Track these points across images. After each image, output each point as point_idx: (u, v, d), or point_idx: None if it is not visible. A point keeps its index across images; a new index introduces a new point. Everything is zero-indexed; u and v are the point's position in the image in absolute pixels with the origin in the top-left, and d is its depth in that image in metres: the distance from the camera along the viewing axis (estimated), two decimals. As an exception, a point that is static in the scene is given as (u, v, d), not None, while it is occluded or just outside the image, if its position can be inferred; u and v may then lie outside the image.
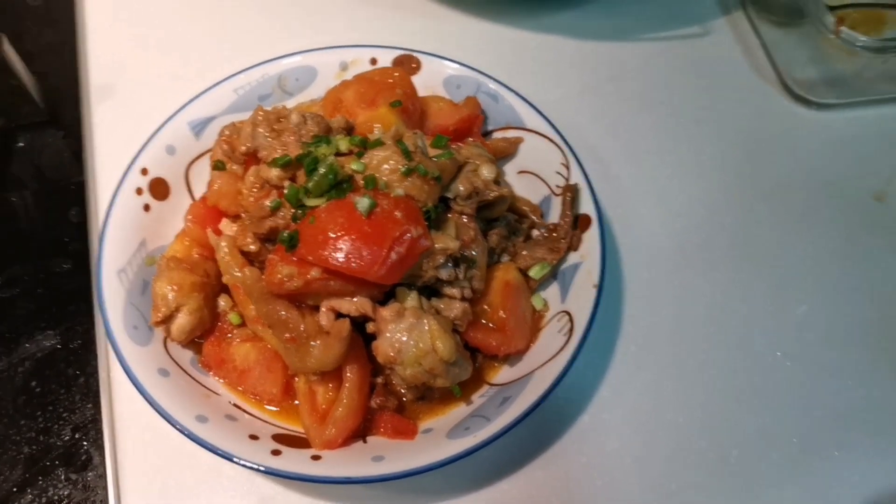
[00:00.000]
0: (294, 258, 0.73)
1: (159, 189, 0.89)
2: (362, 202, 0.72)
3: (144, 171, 0.88)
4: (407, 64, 0.99)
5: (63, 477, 0.79)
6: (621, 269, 0.96)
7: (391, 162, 0.76)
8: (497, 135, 0.97)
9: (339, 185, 0.76)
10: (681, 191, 1.04)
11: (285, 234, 0.73)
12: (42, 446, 0.81)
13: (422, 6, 1.22)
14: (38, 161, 1.04)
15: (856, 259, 0.98)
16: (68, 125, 1.07)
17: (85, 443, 0.81)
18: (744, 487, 0.81)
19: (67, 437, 0.82)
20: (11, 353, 0.87)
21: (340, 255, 0.70)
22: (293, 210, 0.76)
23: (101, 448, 0.81)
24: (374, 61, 0.99)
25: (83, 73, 1.12)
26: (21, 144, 1.05)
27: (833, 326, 0.93)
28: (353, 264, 0.70)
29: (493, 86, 0.97)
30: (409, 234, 0.72)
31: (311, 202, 0.75)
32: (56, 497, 0.78)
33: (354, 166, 0.77)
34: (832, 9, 1.04)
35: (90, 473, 0.80)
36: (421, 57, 0.99)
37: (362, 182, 0.76)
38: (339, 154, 0.80)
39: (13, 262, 0.94)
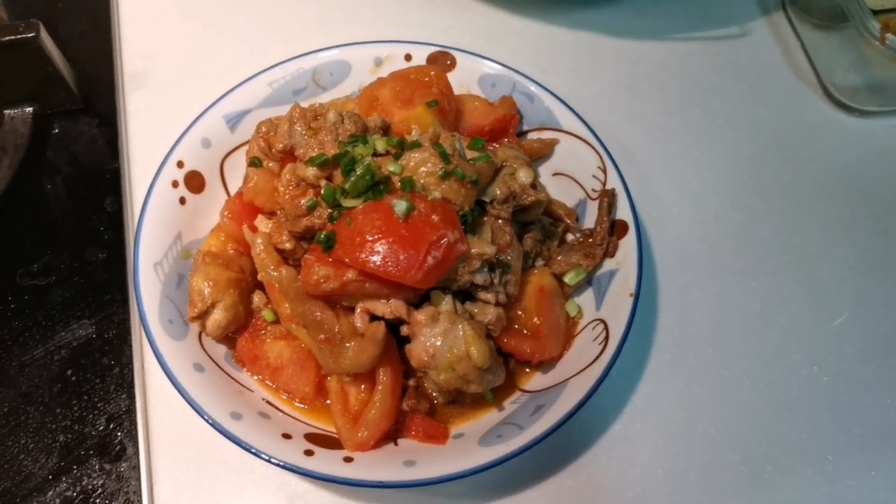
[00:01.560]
0: (330, 259, 0.72)
1: (195, 182, 0.90)
2: (400, 205, 0.71)
3: (180, 164, 0.89)
4: (442, 61, 0.98)
5: (97, 467, 0.80)
6: (656, 273, 0.95)
7: (429, 164, 0.76)
8: (532, 135, 0.97)
9: (376, 187, 0.75)
10: (717, 195, 1.03)
11: (322, 236, 0.73)
12: (77, 435, 0.82)
13: (456, 1, 1.20)
14: (74, 148, 1.05)
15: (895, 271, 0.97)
16: (103, 113, 1.08)
17: (119, 433, 0.82)
18: None
19: (102, 427, 0.83)
20: (48, 341, 0.88)
21: (377, 259, 0.70)
22: (329, 210, 0.76)
23: (134, 439, 0.81)
24: (408, 57, 0.98)
25: (118, 60, 1.12)
26: (56, 131, 1.06)
27: (871, 340, 0.91)
28: (390, 268, 0.70)
29: (529, 85, 0.95)
30: (445, 239, 0.71)
31: (347, 203, 0.75)
32: (90, 486, 0.79)
33: (392, 168, 0.76)
34: (876, 13, 1.02)
35: (124, 464, 0.80)
36: (456, 54, 0.98)
37: (399, 184, 0.76)
38: (375, 154, 0.79)
39: (49, 251, 0.95)
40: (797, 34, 1.19)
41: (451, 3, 1.20)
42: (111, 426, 0.83)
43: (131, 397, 0.84)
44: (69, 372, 0.86)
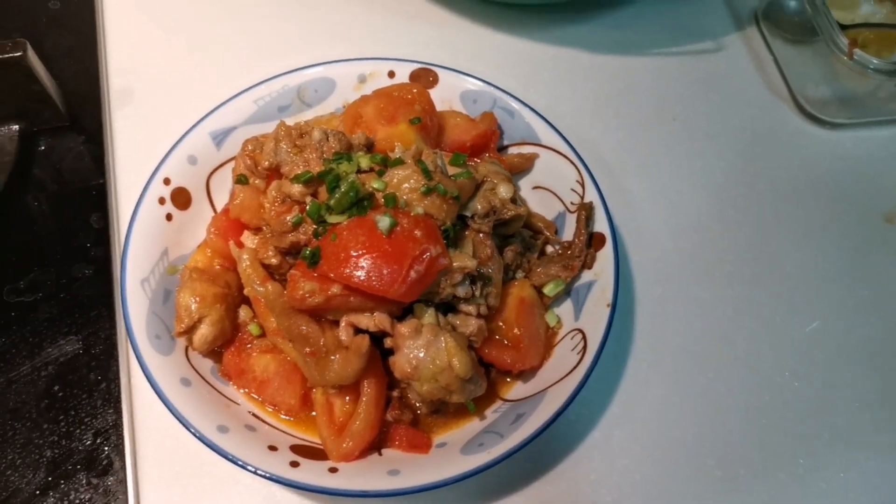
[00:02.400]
0: (315, 274, 0.74)
1: (181, 199, 0.91)
2: (383, 221, 0.73)
3: (167, 181, 0.90)
4: (424, 77, 1.00)
5: (84, 481, 0.81)
6: (633, 283, 0.97)
7: (411, 181, 0.78)
8: (513, 150, 0.99)
9: (360, 203, 0.77)
10: (692, 206, 1.05)
11: (308, 252, 0.74)
12: (64, 450, 0.83)
13: (437, 16, 1.23)
14: (60, 165, 1.06)
15: (865, 279, 1.00)
16: (89, 130, 1.09)
17: (106, 448, 0.83)
18: (750, 507, 0.83)
19: (89, 442, 0.84)
20: (35, 357, 0.89)
21: (361, 273, 0.72)
22: (314, 226, 0.78)
23: (121, 454, 0.82)
24: (391, 74, 1.00)
25: (103, 77, 1.13)
26: (42, 148, 1.07)
27: (842, 346, 0.94)
28: (374, 282, 0.71)
29: (509, 101, 0.98)
30: (428, 254, 0.73)
31: (332, 219, 0.77)
32: (77, 501, 0.80)
33: (375, 185, 0.78)
34: (844, 28, 1.05)
35: (111, 478, 0.81)
36: (438, 71, 1.00)
37: (382, 200, 0.77)
38: (359, 171, 0.81)
39: (35, 267, 0.96)
40: (770, 48, 1.23)
41: (433, 20, 1.22)
42: (98, 441, 0.84)
43: (118, 412, 0.85)
44: (56, 387, 0.87)
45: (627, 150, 1.10)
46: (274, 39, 1.18)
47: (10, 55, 0.95)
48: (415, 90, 0.93)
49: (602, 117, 1.13)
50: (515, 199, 0.86)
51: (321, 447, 0.78)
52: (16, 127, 1.04)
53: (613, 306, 0.82)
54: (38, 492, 0.81)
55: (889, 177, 1.09)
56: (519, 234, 0.90)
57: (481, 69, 1.03)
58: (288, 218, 0.79)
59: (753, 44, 1.24)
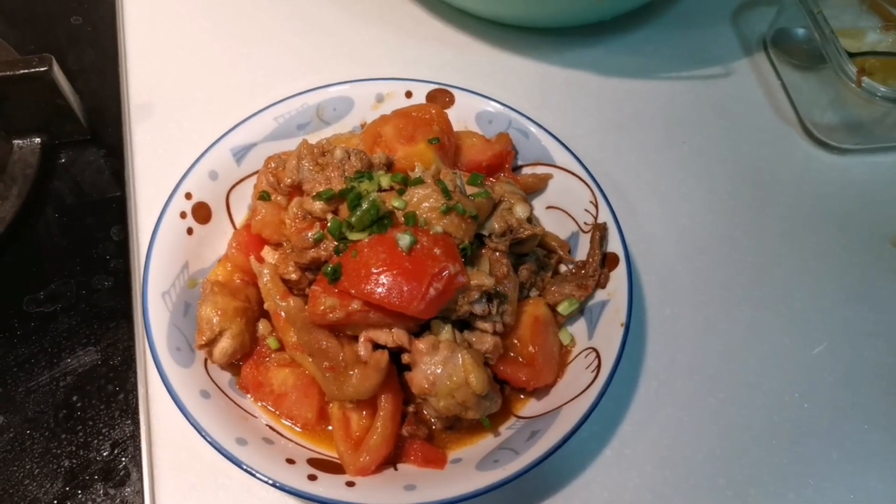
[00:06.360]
0: (336, 290, 0.76)
1: (202, 213, 0.92)
2: (404, 239, 0.75)
3: (188, 196, 0.91)
4: (441, 98, 1.02)
5: (102, 492, 0.82)
6: (645, 304, 0.98)
7: (431, 200, 0.79)
8: (527, 170, 1.01)
9: (381, 221, 0.79)
10: (702, 229, 1.07)
11: (329, 268, 0.76)
12: (82, 461, 0.84)
13: (452, 39, 1.25)
14: (81, 178, 1.08)
15: (871, 302, 1.01)
16: (109, 144, 1.10)
17: (123, 459, 0.84)
18: (760, 526, 0.84)
19: (107, 453, 0.85)
20: (53, 368, 0.90)
21: (382, 290, 0.73)
22: (335, 242, 0.80)
23: (138, 465, 0.83)
24: (409, 94, 1.02)
25: (124, 92, 1.15)
26: (63, 161, 1.09)
27: (849, 368, 0.95)
28: (394, 299, 0.73)
29: (524, 123, 1.00)
30: (447, 271, 0.75)
31: (353, 236, 0.78)
32: (95, 511, 0.81)
33: (396, 203, 0.80)
34: (853, 55, 1.07)
35: (128, 489, 0.82)
36: (455, 92, 1.02)
37: (402, 218, 0.79)
38: (380, 189, 0.83)
39: (55, 278, 0.97)
40: (778, 74, 1.25)
41: (448, 42, 1.25)
42: (115, 452, 0.85)
43: (136, 423, 0.86)
44: (74, 398, 0.88)
45: (637, 173, 1.12)
46: (292, 60, 1.21)
47: (36, 69, 0.97)
48: (433, 111, 0.95)
49: (612, 140, 1.15)
50: (531, 219, 0.87)
51: (338, 461, 0.78)
52: (38, 140, 1.06)
53: (627, 326, 0.83)
54: (55, 501, 0.82)
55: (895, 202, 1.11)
56: (533, 253, 0.91)
57: (494, 90, 1.05)
58: (309, 234, 0.80)
59: (762, 70, 1.26)
